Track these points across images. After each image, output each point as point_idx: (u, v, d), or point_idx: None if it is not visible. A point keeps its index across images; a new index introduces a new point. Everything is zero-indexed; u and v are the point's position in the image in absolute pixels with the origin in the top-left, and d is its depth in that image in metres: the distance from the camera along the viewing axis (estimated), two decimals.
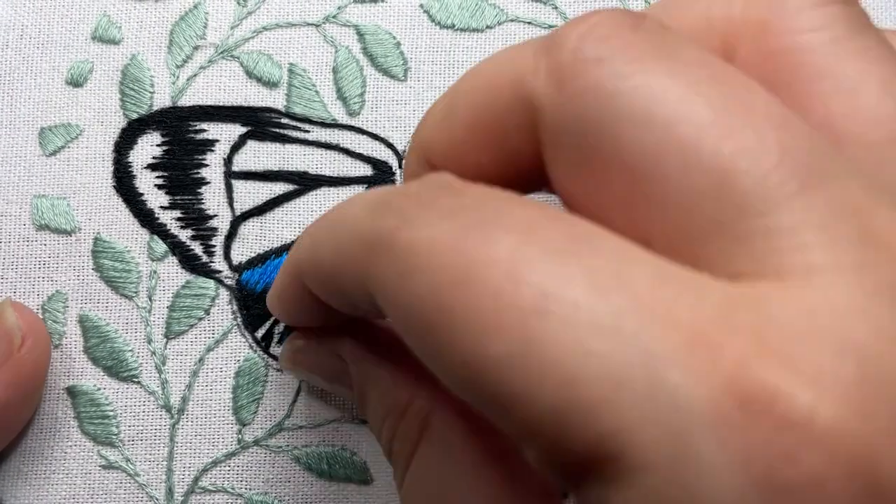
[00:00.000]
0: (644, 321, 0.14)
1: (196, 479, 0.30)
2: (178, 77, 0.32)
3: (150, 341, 0.30)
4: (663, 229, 0.15)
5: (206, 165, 0.31)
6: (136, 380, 0.30)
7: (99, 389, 0.30)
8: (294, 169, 0.31)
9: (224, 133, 0.31)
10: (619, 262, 0.14)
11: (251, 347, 0.30)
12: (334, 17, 0.32)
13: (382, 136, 0.32)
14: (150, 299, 0.30)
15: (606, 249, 0.15)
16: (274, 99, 0.32)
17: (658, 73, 0.15)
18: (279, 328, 0.30)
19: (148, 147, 0.31)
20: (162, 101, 0.31)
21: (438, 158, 0.20)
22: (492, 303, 0.14)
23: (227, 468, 0.30)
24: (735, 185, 0.14)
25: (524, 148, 0.18)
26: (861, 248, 0.14)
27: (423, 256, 0.15)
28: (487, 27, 0.32)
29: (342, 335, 0.25)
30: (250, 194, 0.31)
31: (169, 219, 0.31)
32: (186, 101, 0.31)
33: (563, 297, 0.14)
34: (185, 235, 0.31)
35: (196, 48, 0.32)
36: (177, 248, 0.31)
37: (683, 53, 0.16)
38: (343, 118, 0.32)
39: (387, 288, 0.16)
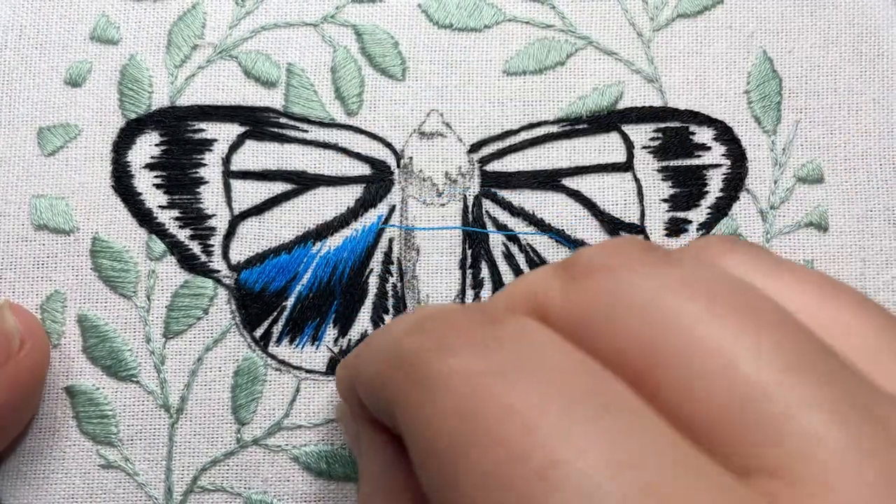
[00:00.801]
0: None
1: (195, 479, 0.30)
2: (176, 77, 0.32)
3: (148, 341, 0.30)
4: (673, 408, 0.15)
5: (205, 165, 0.31)
6: (134, 379, 0.30)
7: (98, 389, 0.30)
8: (292, 168, 0.31)
9: (222, 133, 0.31)
10: (642, 439, 0.14)
11: (250, 347, 0.30)
12: (332, 16, 0.32)
13: (381, 135, 0.32)
14: (149, 299, 0.30)
15: (632, 422, 0.14)
16: (272, 98, 0.32)
17: (659, 277, 0.16)
18: (278, 327, 0.30)
19: (146, 147, 0.31)
20: (160, 100, 0.31)
21: None
22: (502, 455, 0.14)
23: (226, 467, 0.30)
24: (736, 371, 0.14)
25: None
26: (883, 450, 0.14)
27: (442, 388, 0.15)
28: (485, 26, 0.32)
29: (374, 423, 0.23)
30: (249, 194, 0.31)
31: (167, 218, 0.31)
32: (185, 100, 0.31)
33: (573, 470, 0.13)
34: (183, 235, 0.31)
35: (194, 48, 0.32)
36: (175, 247, 0.31)
37: (684, 265, 0.17)
38: (341, 118, 0.32)
39: (402, 407, 0.16)
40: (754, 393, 0.14)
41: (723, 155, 0.32)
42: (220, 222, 0.31)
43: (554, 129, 0.32)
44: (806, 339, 0.15)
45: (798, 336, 0.15)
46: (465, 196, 0.31)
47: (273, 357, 0.30)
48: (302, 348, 0.30)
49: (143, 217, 0.31)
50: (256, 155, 0.31)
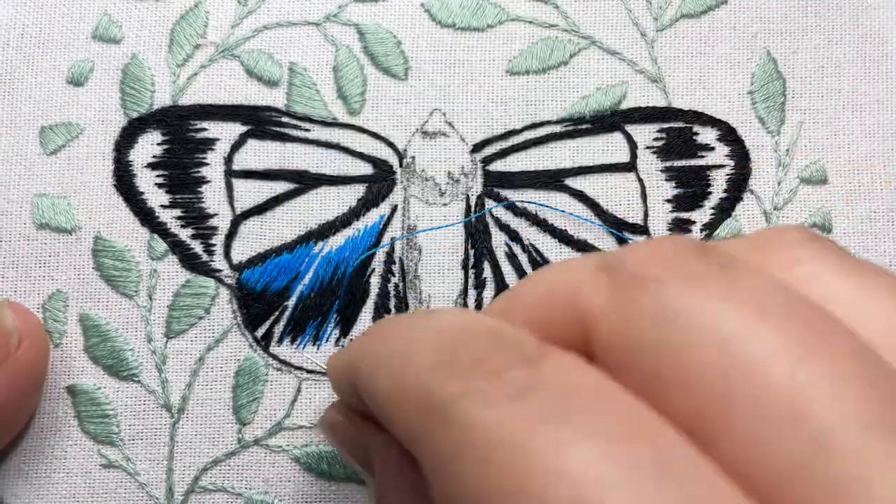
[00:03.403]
0: None
1: (196, 479, 0.30)
2: (178, 76, 0.32)
3: (150, 340, 0.30)
4: (731, 453, 0.13)
5: (207, 164, 0.31)
6: (136, 379, 0.30)
7: (99, 388, 0.30)
8: (294, 168, 0.31)
9: (224, 132, 0.31)
10: (702, 501, 0.12)
11: (251, 346, 0.30)
12: (335, 15, 0.32)
13: (383, 135, 0.32)
14: (151, 298, 0.30)
15: (698, 489, 0.13)
16: (274, 98, 0.31)
17: (720, 296, 0.14)
18: (279, 327, 0.30)
19: (148, 146, 0.31)
20: (162, 99, 0.31)
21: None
22: None
23: (227, 467, 0.30)
24: (812, 421, 0.13)
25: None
26: None
27: (479, 444, 0.14)
28: (488, 26, 0.32)
29: (380, 432, 0.21)
30: (250, 193, 0.31)
31: (169, 217, 0.31)
32: (187, 99, 0.31)
33: None
34: (185, 234, 0.31)
35: (197, 47, 0.32)
36: (177, 246, 0.31)
37: (749, 280, 0.15)
38: (343, 117, 0.32)
39: (434, 460, 0.15)
40: (833, 449, 0.12)
41: (726, 155, 0.32)
42: (222, 222, 0.31)
43: (557, 128, 0.32)
44: (891, 385, 0.13)
45: (883, 383, 0.13)
46: (467, 196, 0.31)
47: (274, 357, 0.30)
48: (303, 348, 0.30)
49: (145, 216, 0.31)
50: (258, 154, 0.31)
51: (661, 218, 0.31)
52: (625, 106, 0.32)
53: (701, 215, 0.31)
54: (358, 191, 0.31)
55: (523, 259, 0.31)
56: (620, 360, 0.15)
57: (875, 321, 0.15)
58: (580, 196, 0.31)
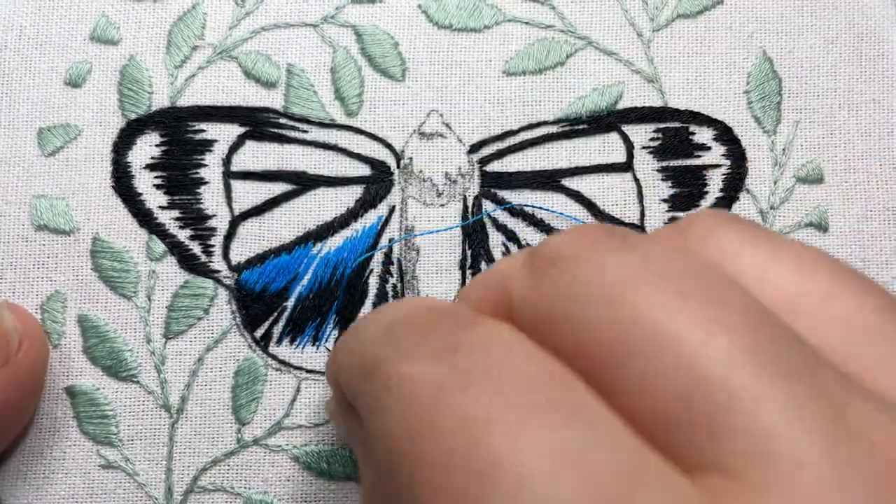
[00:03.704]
0: None
1: (195, 479, 0.30)
2: (176, 77, 0.32)
3: (149, 341, 0.30)
4: (631, 403, 0.15)
5: (205, 165, 0.31)
6: (135, 379, 0.30)
7: (98, 389, 0.30)
8: (292, 169, 0.31)
9: (222, 133, 0.31)
10: (590, 437, 0.14)
11: (250, 347, 0.30)
12: (332, 17, 0.32)
13: (380, 136, 0.32)
14: (149, 299, 0.30)
15: (583, 419, 0.14)
16: (272, 99, 0.32)
17: (618, 264, 0.16)
18: (278, 327, 0.30)
19: (146, 147, 0.31)
20: (160, 101, 0.31)
21: None
22: (445, 460, 0.14)
23: (227, 467, 0.30)
24: (691, 361, 0.14)
25: None
26: (834, 445, 0.13)
27: (396, 394, 0.15)
28: (485, 27, 0.32)
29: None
30: (249, 194, 0.31)
31: (168, 219, 0.31)
32: (185, 101, 0.31)
33: (514, 469, 0.13)
34: (183, 235, 0.31)
35: (194, 48, 0.32)
36: (175, 247, 0.31)
37: (647, 250, 0.16)
38: (341, 118, 0.32)
39: (365, 415, 0.16)
40: (704, 388, 0.14)
41: (723, 155, 0.32)
42: (221, 223, 0.31)
43: (554, 129, 0.32)
44: (769, 330, 0.15)
45: (760, 327, 0.15)
46: (464, 196, 0.31)
47: (273, 357, 0.30)
48: (302, 349, 0.30)
49: (144, 217, 0.31)
50: (256, 155, 0.31)
51: (657, 218, 0.31)
52: (621, 106, 0.32)
53: None
54: (356, 192, 0.31)
55: None
56: (535, 330, 0.16)
57: (779, 287, 0.16)
58: (577, 196, 0.31)
